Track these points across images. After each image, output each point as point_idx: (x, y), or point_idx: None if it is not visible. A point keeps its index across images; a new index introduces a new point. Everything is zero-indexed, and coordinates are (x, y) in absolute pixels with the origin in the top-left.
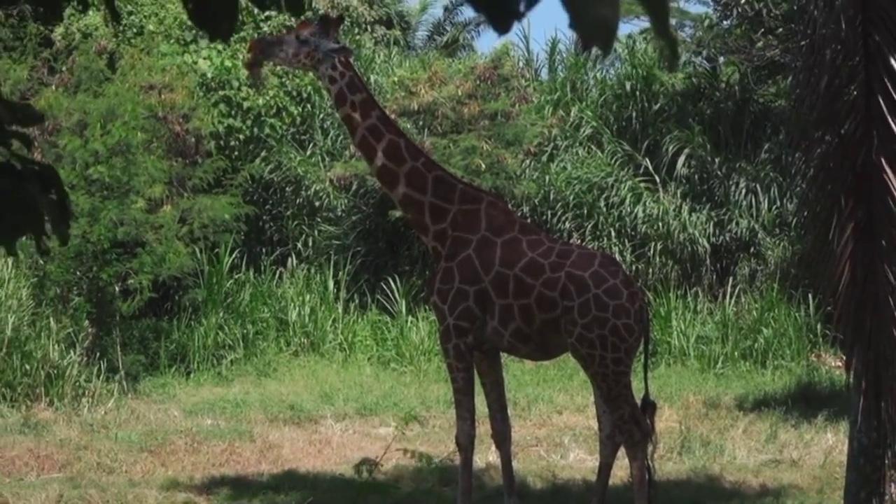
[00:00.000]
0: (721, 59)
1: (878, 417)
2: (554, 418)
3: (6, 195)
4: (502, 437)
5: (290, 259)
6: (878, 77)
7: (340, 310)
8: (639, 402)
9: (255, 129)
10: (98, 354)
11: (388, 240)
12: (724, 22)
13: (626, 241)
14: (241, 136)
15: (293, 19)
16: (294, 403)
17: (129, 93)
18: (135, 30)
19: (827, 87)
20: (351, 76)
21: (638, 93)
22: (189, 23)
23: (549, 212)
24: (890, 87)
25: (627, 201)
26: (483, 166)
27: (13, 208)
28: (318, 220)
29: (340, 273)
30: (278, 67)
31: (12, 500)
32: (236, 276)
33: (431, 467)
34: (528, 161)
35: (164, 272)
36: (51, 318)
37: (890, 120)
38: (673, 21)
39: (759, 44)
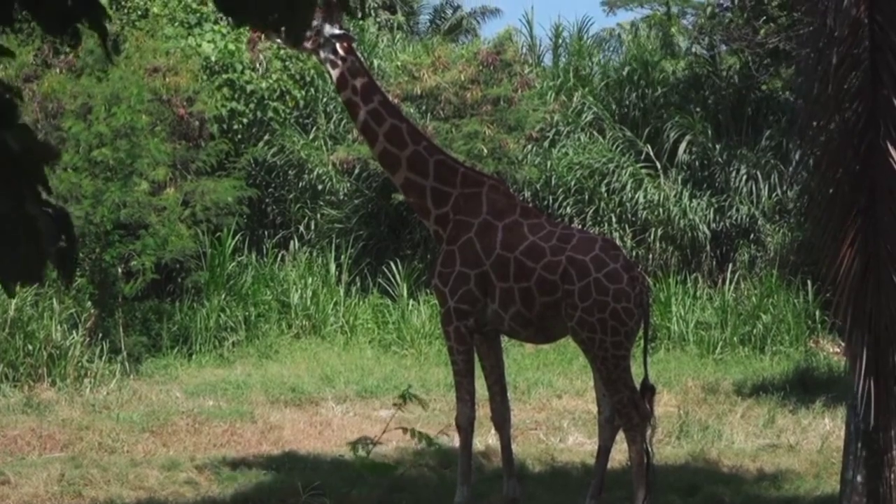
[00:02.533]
0: (723, 46)
1: (878, 400)
2: (553, 402)
3: (17, 236)
4: (502, 420)
5: (292, 242)
6: (885, 64)
7: (342, 293)
8: (638, 386)
9: (259, 113)
10: (100, 335)
11: (390, 223)
12: (726, 10)
13: (627, 226)
14: (245, 120)
15: None
16: (295, 385)
17: (133, 76)
18: (139, 12)
19: (834, 74)
20: (352, 60)
21: (640, 79)
22: (193, 5)
23: (551, 197)
24: None
25: (628, 187)
26: (485, 151)
27: (21, 253)
28: (321, 203)
29: (342, 256)
30: (282, 51)
31: (14, 479)
32: (239, 259)
33: (432, 449)
34: (530, 146)
35: (166, 255)
36: (53, 299)
37: None
38: (675, 9)
39: (761, 32)
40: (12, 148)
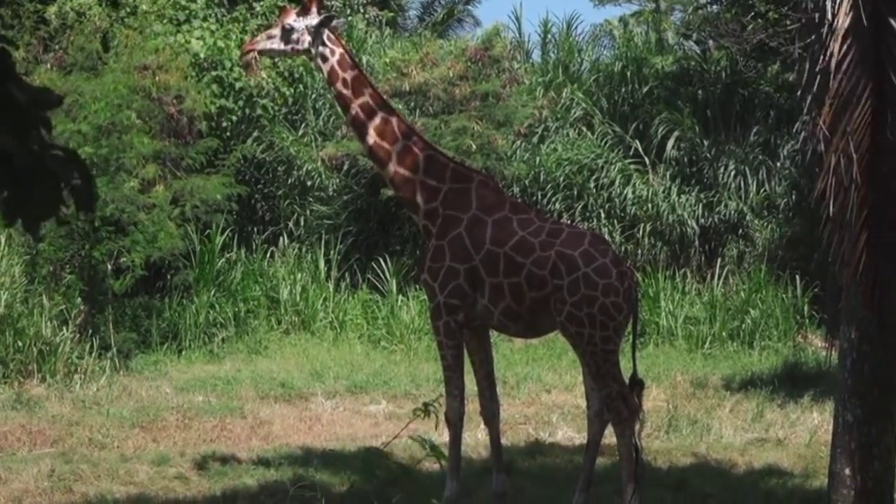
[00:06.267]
0: (711, 42)
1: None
2: (542, 397)
3: (31, 180)
4: (491, 415)
5: (281, 238)
6: (891, 57)
7: (331, 288)
8: (627, 380)
9: (248, 110)
10: (90, 332)
11: (380, 219)
12: (714, 6)
13: (616, 222)
14: (234, 117)
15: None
16: (285, 381)
17: (125, 76)
18: (128, 9)
19: (840, 67)
20: (342, 53)
21: (629, 75)
22: (182, 2)
23: (540, 193)
24: None
25: (617, 183)
26: (474, 147)
27: (37, 193)
28: (310, 199)
29: (332, 252)
30: None
31: (4, 475)
32: (228, 255)
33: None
34: (518, 142)
35: (155, 252)
36: (43, 296)
37: None
38: (664, 4)
39: (749, 27)
40: (17, 98)
